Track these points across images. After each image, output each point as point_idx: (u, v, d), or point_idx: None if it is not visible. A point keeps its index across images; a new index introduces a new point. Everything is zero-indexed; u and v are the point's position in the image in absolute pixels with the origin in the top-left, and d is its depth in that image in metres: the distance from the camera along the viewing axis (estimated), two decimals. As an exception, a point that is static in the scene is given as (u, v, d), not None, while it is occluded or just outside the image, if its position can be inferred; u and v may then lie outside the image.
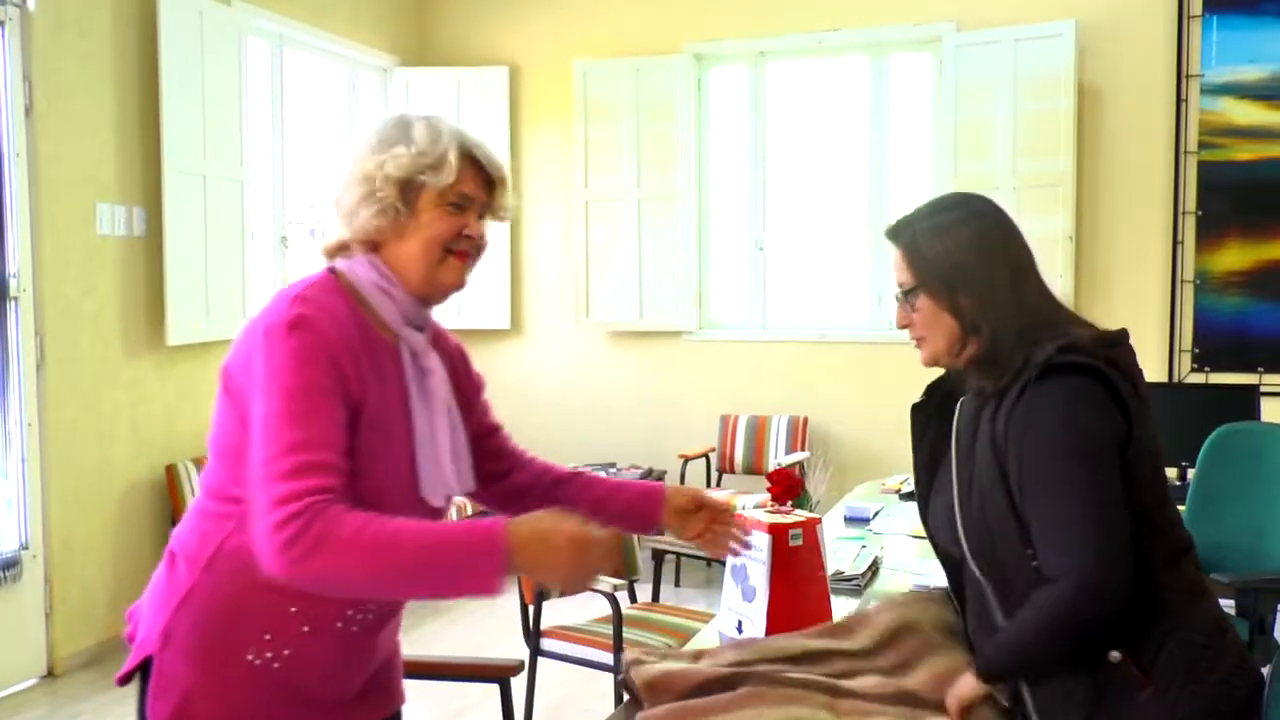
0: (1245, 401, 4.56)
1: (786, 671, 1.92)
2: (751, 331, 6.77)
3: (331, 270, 1.74)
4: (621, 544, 1.64)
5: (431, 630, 5.19)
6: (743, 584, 2.25)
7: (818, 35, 6.50)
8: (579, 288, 6.90)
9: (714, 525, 2.04)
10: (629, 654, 2.03)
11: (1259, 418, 4.50)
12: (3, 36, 4.49)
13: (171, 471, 5.07)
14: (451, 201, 1.72)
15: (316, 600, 1.64)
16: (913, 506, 3.71)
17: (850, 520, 3.55)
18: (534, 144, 7.06)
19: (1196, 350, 5.85)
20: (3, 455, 4.54)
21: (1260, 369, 5.70)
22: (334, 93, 6.80)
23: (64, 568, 4.70)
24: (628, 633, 3.58)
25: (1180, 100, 5.82)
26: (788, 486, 2.32)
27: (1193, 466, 3.74)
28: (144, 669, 1.70)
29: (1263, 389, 5.01)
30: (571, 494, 2.02)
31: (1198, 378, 5.81)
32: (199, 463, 5.04)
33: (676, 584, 6.04)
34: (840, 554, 2.98)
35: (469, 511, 6.33)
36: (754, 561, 2.22)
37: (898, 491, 4.03)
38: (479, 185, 1.76)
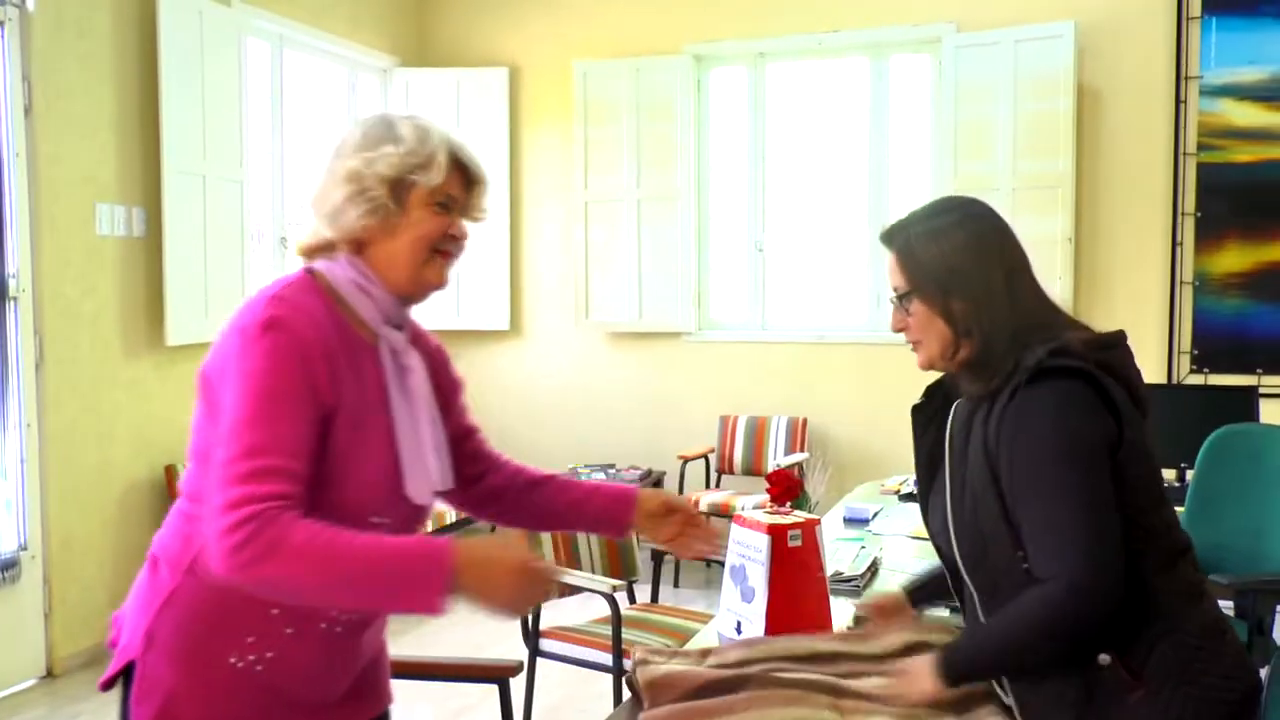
0: (1244, 403, 4.56)
1: (789, 671, 1.93)
2: (751, 332, 6.77)
3: (309, 271, 1.73)
4: (554, 574, 1.63)
5: (430, 630, 5.19)
6: (742, 585, 2.25)
7: (817, 36, 6.50)
8: (578, 288, 6.90)
9: (686, 529, 2.04)
10: (636, 653, 2.03)
11: (1258, 419, 4.51)
12: (2, 37, 4.49)
13: (171, 472, 5.07)
14: (438, 201, 1.72)
15: None
16: (912, 507, 3.74)
17: (849, 521, 3.55)
18: (534, 145, 7.06)
19: (1195, 352, 5.85)
20: (2, 455, 4.54)
21: (1259, 370, 5.70)
22: (334, 93, 6.79)
23: (63, 568, 4.69)
24: (627, 633, 3.58)
25: (1179, 101, 5.82)
26: (787, 487, 2.32)
27: (1192, 468, 3.74)
28: (127, 673, 1.69)
29: (1261, 390, 5.01)
30: (545, 497, 2.02)
31: (1197, 379, 5.81)
32: (198, 463, 5.03)
33: (675, 585, 6.04)
34: (839, 555, 2.98)
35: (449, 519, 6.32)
36: (753, 562, 2.22)
37: (897, 492, 4.04)
38: (461, 186, 1.76)
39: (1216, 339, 5.82)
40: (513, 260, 7.10)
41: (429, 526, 5.71)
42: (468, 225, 1.79)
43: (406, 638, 4.99)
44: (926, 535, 2.07)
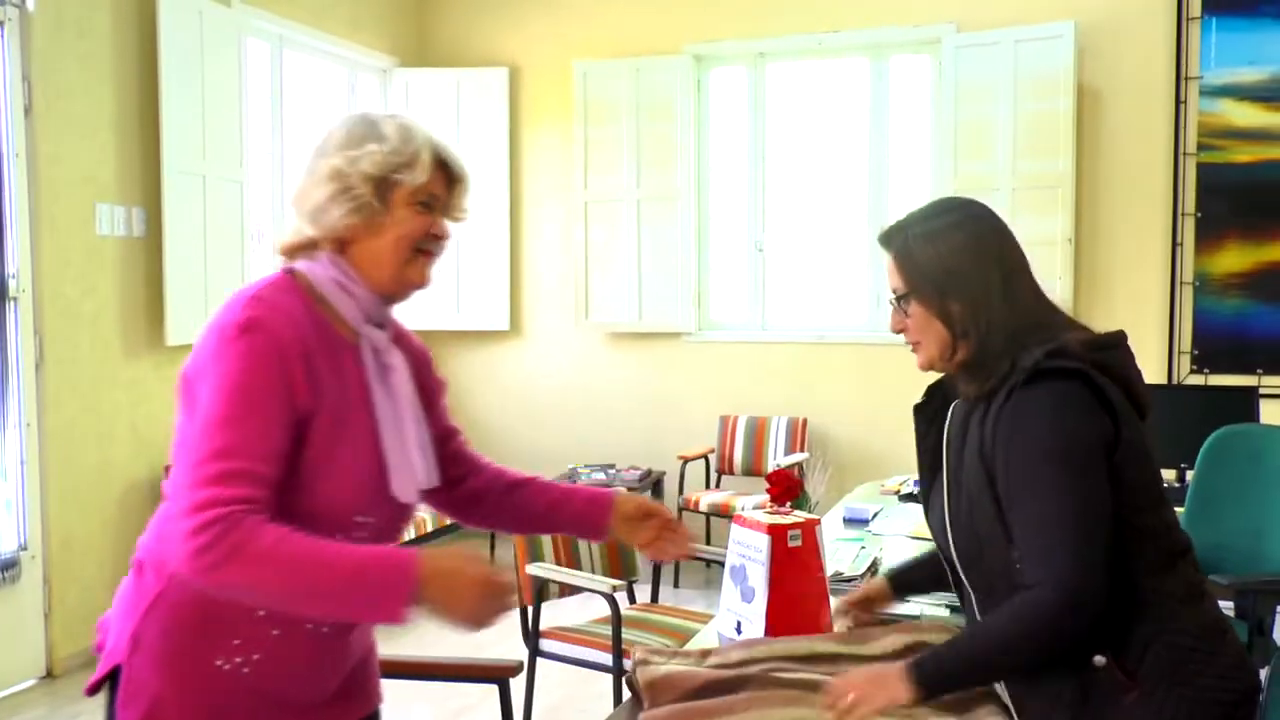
0: (1244, 403, 4.56)
1: (789, 671, 1.93)
2: (751, 333, 6.77)
3: (289, 271, 1.73)
4: (515, 589, 1.63)
5: (430, 630, 5.18)
6: (741, 585, 2.25)
7: (817, 36, 6.50)
8: (578, 289, 6.90)
9: (662, 533, 2.03)
10: (637, 653, 2.03)
11: (1258, 419, 4.51)
12: (2, 37, 4.49)
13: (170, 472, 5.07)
14: (421, 200, 1.72)
15: None
16: (912, 507, 3.74)
17: (849, 521, 3.55)
18: (534, 145, 7.06)
19: (1195, 352, 5.85)
20: (2, 455, 4.54)
21: (1259, 371, 5.70)
22: (333, 94, 6.79)
23: (63, 568, 4.69)
24: (627, 634, 3.58)
25: (1179, 102, 5.82)
26: (787, 487, 2.32)
27: (1192, 468, 3.74)
28: (113, 677, 1.68)
29: (1262, 391, 5.01)
30: (525, 499, 2.02)
31: (1197, 379, 5.81)
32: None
33: (675, 585, 6.04)
34: (839, 555, 2.98)
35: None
36: (753, 562, 2.22)
37: (897, 493, 4.03)
38: (443, 185, 1.76)
39: (1216, 339, 5.82)
40: (513, 260, 7.09)
41: (412, 533, 5.72)
42: (449, 225, 1.79)
43: (407, 638, 4.98)
44: (927, 535, 2.07)
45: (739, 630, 2.23)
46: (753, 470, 6.41)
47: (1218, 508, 3.60)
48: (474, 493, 2.00)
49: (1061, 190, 5.88)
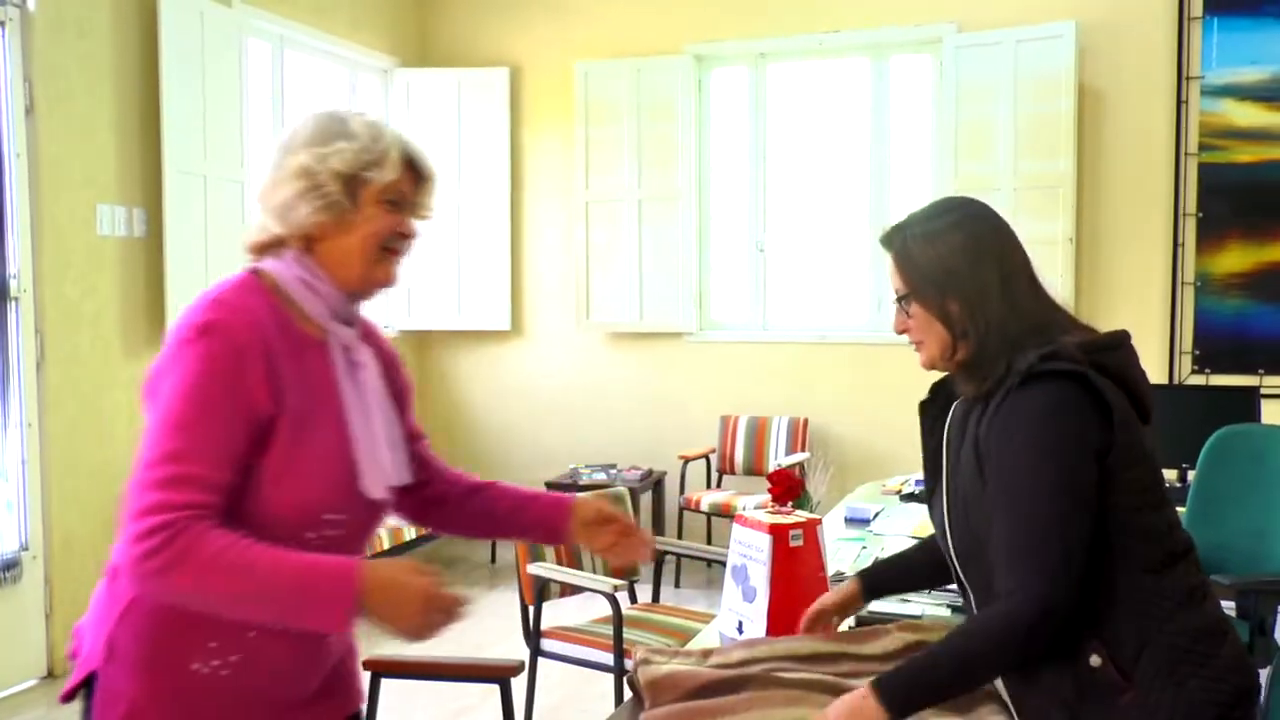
0: (1246, 403, 4.56)
1: (790, 671, 1.93)
2: (752, 333, 6.77)
3: (253, 271, 1.72)
4: (464, 604, 1.63)
5: (432, 631, 5.19)
6: (743, 584, 2.25)
7: (818, 36, 6.50)
8: (579, 289, 6.90)
9: (621, 539, 2.01)
10: (638, 653, 2.03)
11: (1259, 420, 4.50)
12: (3, 37, 4.49)
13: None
14: (390, 199, 1.71)
15: None
16: (913, 507, 3.74)
17: (851, 521, 3.55)
18: (535, 145, 7.06)
19: (1197, 352, 5.85)
20: (2, 456, 4.54)
21: (1261, 371, 5.70)
22: (335, 94, 6.79)
23: (64, 568, 4.70)
24: (628, 633, 3.58)
25: (1181, 102, 5.82)
26: (788, 487, 2.32)
27: (1193, 468, 3.74)
28: (88, 685, 1.67)
29: (1263, 391, 5.00)
30: (484, 503, 2.01)
31: (1198, 379, 5.81)
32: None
33: (677, 585, 6.04)
34: (841, 555, 2.98)
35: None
36: (755, 562, 2.22)
37: (898, 492, 4.04)
38: (411, 183, 1.75)
39: (1218, 339, 5.82)
40: (514, 260, 7.09)
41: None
42: (416, 224, 1.78)
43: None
44: (928, 534, 2.07)
45: (740, 630, 2.23)
46: (754, 470, 6.41)
47: (1219, 508, 3.60)
48: (434, 497, 1.99)
49: (1062, 190, 5.88)
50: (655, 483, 6.52)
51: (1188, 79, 5.81)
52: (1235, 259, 5.79)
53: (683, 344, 6.81)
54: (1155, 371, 5.80)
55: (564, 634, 3.79)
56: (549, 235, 7.07)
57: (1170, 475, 4.53)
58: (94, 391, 4.84)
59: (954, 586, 2.00)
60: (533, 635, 3.77)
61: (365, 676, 2.83)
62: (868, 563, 2.86)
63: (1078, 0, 5.92)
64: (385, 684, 2.87)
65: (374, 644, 4.27)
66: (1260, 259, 5.74)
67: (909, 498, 3.93)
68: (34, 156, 4.57)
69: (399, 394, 1.89)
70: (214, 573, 1.49)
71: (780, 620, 2.14)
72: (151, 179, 5.08)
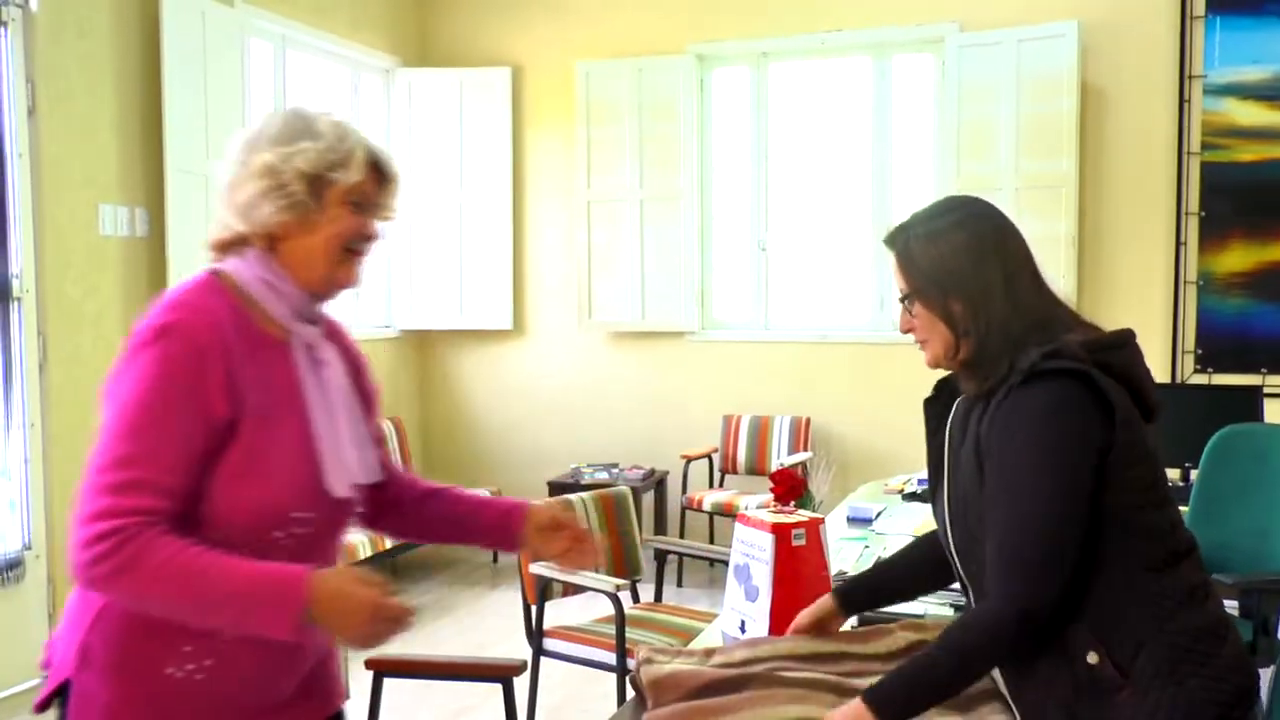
0: (1248, 403, 4.56)
1: (793, 670, 1.93)
2: (754, 332, 6.77)
3: (214, 272, 1.71)
4: (412, 614, 1.63)
5: (434, 630, 5.19)
6: (746, 584, 2.25)
7: (820, 36, 6.50)
8: (581, 288, 6.90)
9: (573, 545, 1.99)
10: (641, 652, 2.03)
11: (1262, 419, 4.50)
12: (5, 37, 4.49)
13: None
14: (354, 200, 1.71)
15: None
16: (915, 506, 3.74)
17: (853, 520, 3.55)
18: (536, 145, 7.06)
19: (1199, 351, 5.84)
20: (5, 455, 4.55)
21: (1263, 370, 5.70)
22: (337, 94, 6.80)
23: (66, 568, 4.69)
24: (630, 633, 3.58)
25: (1183, 101, 5.82)
26: (791, 487, 2.32)
27: (1196, 467, 3.73)
28: (62, 694, 1.65)
29: (1266, 390, 5.00)
30: (439, 508, 2.00)
31: (1201, 379, 5.80)
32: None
33: (679, 584, 6.04)
34: (843, 554, 2.98)
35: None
36: (757, 561, 2.22)
37: (900, 492, 4.04)
38: (375, 185, 1.75)
39: (1220, 339, 5.82)
40: (515, 260, 7.09)
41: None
42: (379, 225, 1.78)
43: (411, 637, 4.99)
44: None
45: (743, 629, 2.23)
46: (756, 469, 6.41)
47: (1222, 507, 3.60)
48: (389, 501, 1.97)
49: (1065, 190, 5.88)
50: (657, 482, 6.52)
51: (1190, 78, 5.81)
52: (1238, 258, 5.79)
53: (685, 343, 6.82)
54: (1158, 371, 5.77)
55: (566, 633, 3.79)
56: (551, 235, 7.07)
57: (1173, 474, 4.53)
58: (96, 392, 4.83)
59: (955, 585, 2.00)
60: (535, 635, 3.77)
61: (368, 676, 2.84)
62: (871, 562, 2.86)
63: (1080, 0, 5.93)
64: (388, 683, 2.87)
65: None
66: (1263, 258, 5.74)
67: (911, 497, 3.93)
68: (36, 156, 4.57)
69: (366, 398, 1.88)
70: (162, 580, 1.49)
71: (783, 620, 2.14)
72: (153, 179, 5.08)
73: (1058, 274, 5.75)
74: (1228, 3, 5.72)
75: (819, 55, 6.66)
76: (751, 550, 2.25)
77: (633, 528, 4.09)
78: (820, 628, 2.09)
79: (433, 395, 7.35)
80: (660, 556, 4.21)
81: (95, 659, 1.62)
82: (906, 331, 1.90)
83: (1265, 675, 1.81)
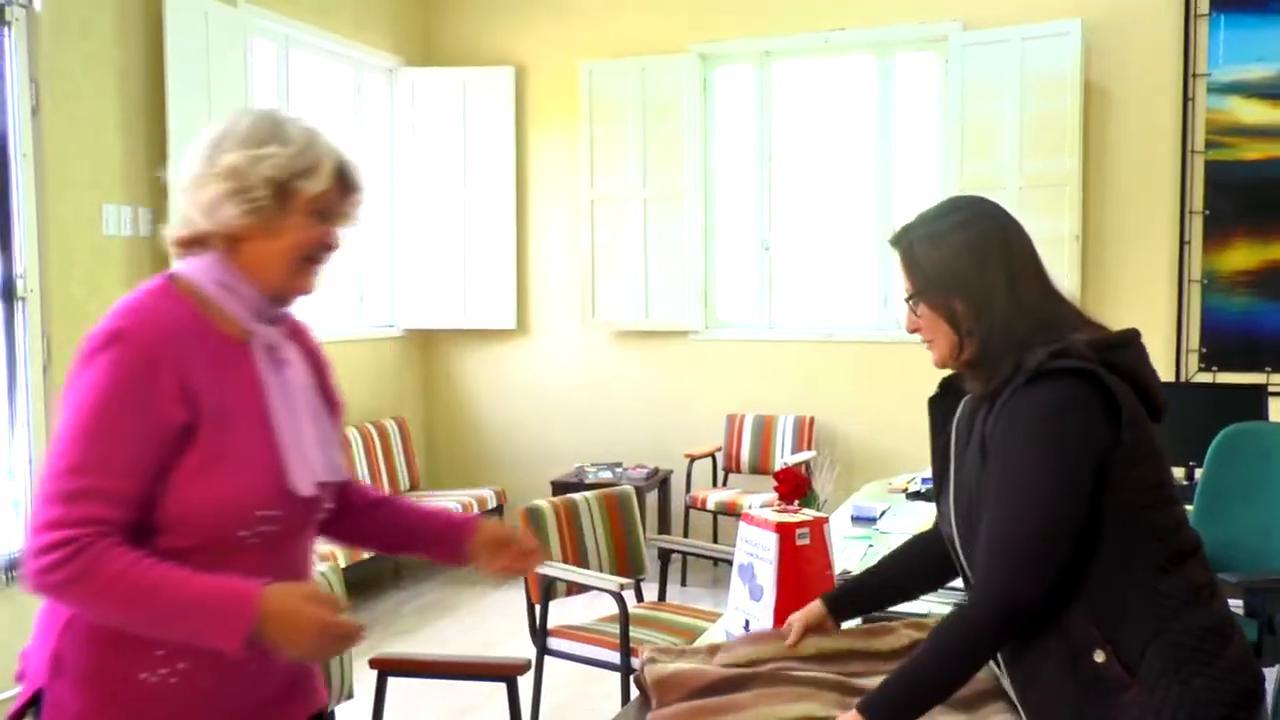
0: (1253, 401, 4.55)
1: (797, 670, 1.93)
2: (758, 331, 6.77)
3: (170, 276, 1.71)
4: (362, 632, 1.64)
5: (438, 629, 5.20)
6: (750, 583, 2.25)
7: (823, 35, 6.50)
8: (585, 288, 6.90)
9: (520, 560, 1.98)
10: (645, 652, 2.03)
11: (1267, 418, 4.50)
12: (9, 38, 4.50)
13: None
14: (317, 209, 1.70)
15: None
16: (920, 505, 3.74)
17: (857, 519, 3.55)
18: (540, 144, 7.06)
19: (1204, 350, 5.84)
20: (9, 455, 4.55)
21: (1268, 369, 5.69)
22: (340, 94, 6.80)
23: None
24: (634, 632, 3.58)
25: (1187, 99, 5.81)
26: (794, 486, 2.32)
27: (1200, 466, 3.73)
28: (35, 704, 1.64)
29: (1270, 389, 4.99)
30: (386, 517, 1.99)
31: (1205, 377, 5.79)
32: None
33: (683, 583, 6.04)
34: (847, 553, 2.98)
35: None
36: (761, 561, 2.22)
37: (905, 491, 4.03)
38: (339, 194, 1.74)
39: (1225, 337, 5.81)
40: (519, 259, 7.09)
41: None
42: (341, 234, 1.77)
43: (414, 637, 5.00)
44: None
45: (747, 629, 2.23)
46: (760, 469, 6.41)
47: (1226, 506, 3.59)
48: (342, 508, 1.95)
49: (1068, 188, 5.87)
50: (661, 481, 6.52)
51: (1194, 76, 5.80)
52: (1242, 256, 5.78)
53: (688, 342, 6.81)
54: (1162, 369, 5.73)
55: (570, 633, 3.79)
56: (554, 234, 7.07)
57: (1177, 473, 4.52)
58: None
59: (958, 584, 2.00)
60: (539, 634, 3.77)
61: (372, 676, 2.85)
62: (874, 561, 2.85)
63: (1083, -3, 5.92)
64: (392, 683, 2.87)
65: (379, 643, 4.28)
66: (1267, 257, 5.73)
67: (915, 496, 3.92)
68: (40, 157, 4.57)
69: (329, 394, 1.88)
70: (113, 593, 1.50)
71: (786, 618, 2.14)
72: (157, 179, 5.08)
73: (1061, 273, 5.74)
74: (1232, 1, 5.71)
75: (822, 54, 6.65)
76: (755, 549, 2.25)
77: (636, 527, 4.09)
78: (813, 633, 2.09)
79: (436, 395, 7.36)
80: (664, 556, 4.21)
81: (67, 668, 1.62)
82: (913, 331, 1.90)
83: (1270, 675, 1.80)
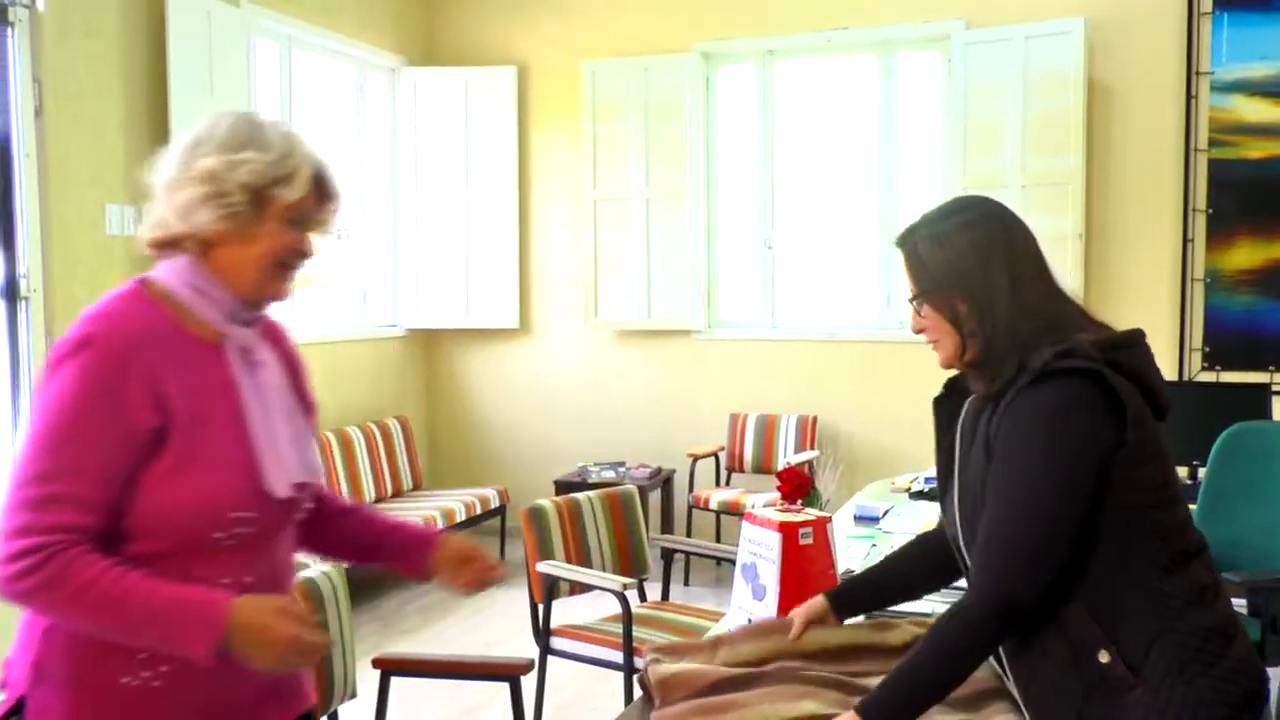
0: (1256, 400, 4.54)
1: (802, 669, 1.93)
2: (760, 330, 6.77)
3: (142, 281, 1.70)
4: (328, 647, 1.65)
5: (441, 629, 5.20)
6: (753, 582, 2.25)
7: (826, 34, 6.49)
8: (588, 287, 6.90)
9: (481, 577, 1.97)
10: (648, 651, 2.03)
11: (1270, 416, 4.49)
12: (13, 38, 4.50)
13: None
14: (293, 217, 1.69)
15: None
16: (923, 505, 3.73)
17: (860, 519, 3.55)
18: (542, 144, 7.06)
19: (1207, 349, 5.83)
20: (11, 455, 4.55)
21: (1271, 367, 5.68)
22: (342, 93, 6.80)
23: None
24: (637, 632, 3.58)
25: (1190, 97, 5.80)
26: (797, 485, 2.32)
27: (1203, 465, 3.72)
28: (19, 712, 1.64)
29: (1274, 388, 4.99)
30: (351, 526, 1.98)
31: (1208, 376, 5.79)
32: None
33: (686, 583, 6.03)
34: (850, 553, 2.98)
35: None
36: (764, 560, 2.22)
37: (908, 490, 4.03)
38: (316, 202, 1.73)
39: (1228, 336, 5.80)
40: (522, 259, 7.10)
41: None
42: (315, 241, 1.76)
43: (418, 636, 5.00)
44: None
45: (750, 628, 2.23)
46: (763, 468, 6.41)
47: (1230, 505, 3.59)
48: (308, 513, 1.93)
49: (1071, 187, 5.87)
50: (664, 481, 6.52)
51: (1197, 74, 5.79)
52: (1245, 255, 5.77)
53: (691, 342, 6.81)
54: (1165, 368, 5.70)
55: (573, 632, 3.79)
56: (557, 234, 7.07)
57: (1181, 472, 4.52)
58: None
59: (963, 584, 1.99)
60: (542, 634, 3.77)
61: (375, 675, 2.85)
62: (877, 560, 2.85)
63: (1086, -4, 5.91)
64: (395, 682, 2.87)
65: (382, 642, 4.28)
66: (1270, 255, 5.72)
67: (918, 495, 3.92)
68: (43, 157, 4.58)
69: (304, 395, 1.87)
70: (82, 600, 1.50)
71: (789, 613, 2.14)
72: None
73: (1064, 271, 5.72)
74: (1235, -1, 5.71)
75: (825, 53, 6.65)
76: (759, 549, 2.25)
77: (639, 526, 4.09)
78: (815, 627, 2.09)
79: (439, 394, 7.36)
80: (667, 555, 4.21)
81: (49, 674, 1.62)
82: (918, 332, 1.90)
83: (1275, 674, 1.80)
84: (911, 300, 1.88)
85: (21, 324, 4.53)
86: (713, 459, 6.59)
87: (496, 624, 5.30)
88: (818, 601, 2.09)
